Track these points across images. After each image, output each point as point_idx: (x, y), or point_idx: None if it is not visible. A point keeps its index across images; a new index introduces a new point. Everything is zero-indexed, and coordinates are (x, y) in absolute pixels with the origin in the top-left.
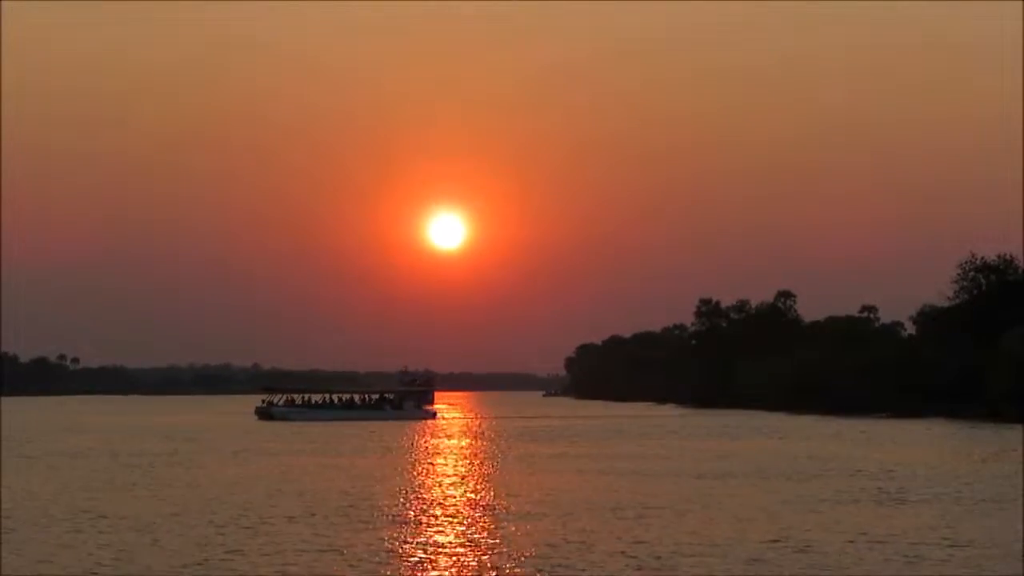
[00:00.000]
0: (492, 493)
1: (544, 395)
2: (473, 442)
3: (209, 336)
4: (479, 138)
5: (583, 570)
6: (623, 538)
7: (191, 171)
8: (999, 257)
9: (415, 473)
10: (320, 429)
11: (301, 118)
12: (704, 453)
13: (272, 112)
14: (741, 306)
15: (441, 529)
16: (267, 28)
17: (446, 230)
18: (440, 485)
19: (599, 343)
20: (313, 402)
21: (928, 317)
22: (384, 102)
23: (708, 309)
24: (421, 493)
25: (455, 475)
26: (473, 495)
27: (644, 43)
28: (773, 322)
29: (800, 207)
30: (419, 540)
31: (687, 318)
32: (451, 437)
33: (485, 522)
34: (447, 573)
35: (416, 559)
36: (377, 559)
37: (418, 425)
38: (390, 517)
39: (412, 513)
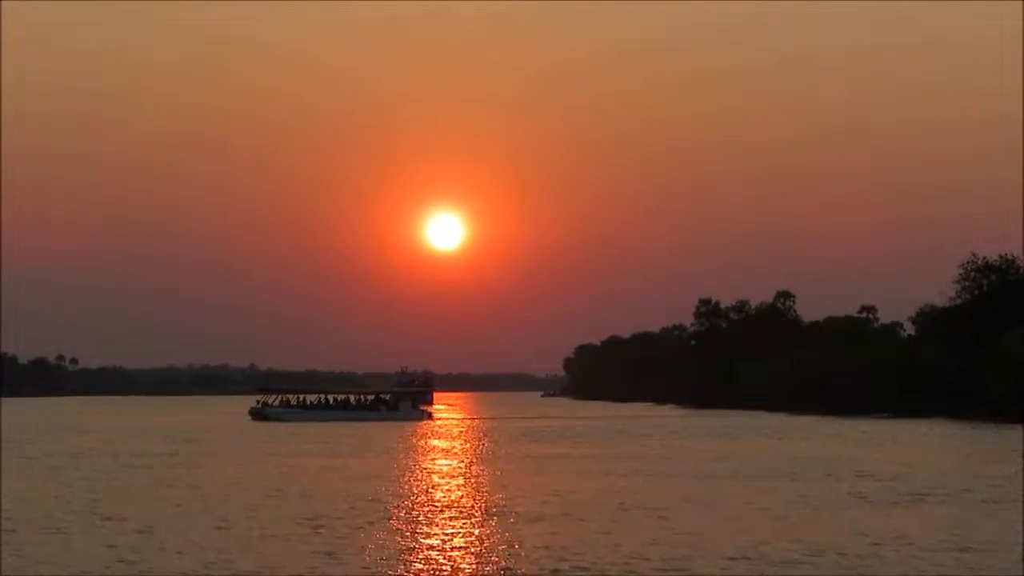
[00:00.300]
0: (499, 495)
1: (543, 395)
2: (475, 443)
3: (208, 336)
4: (478, 138)
5: (601, 571)
6: (637, 540)
7: (190, 171)
8: (1001, 257)
9: (420, 474)
10: (314, 430)
11: (300, 118)
12: (708, 454)
13: (271, 112)
14: (741, 306)
15: (452, 531)
16: (267, 28)
17: (445, 230)
18: (447, 486)
19: (598, 343)
20: (308, 403)
21: (928, 317)
22: (383, 102)
23: (708, 309)
24: (429, 495)
25: (461, 477)
26: (480, 497)
27: (644, 43)
28: (773, 322)
29: (800, 207)
30: (429, 542)
31: (686, 318)
32: (452, 438)
33: (495, 524)
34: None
35: (429, 561)
36: (387, 562)
37: (414, 426)
38: (397, 518)
39: (421, 515)
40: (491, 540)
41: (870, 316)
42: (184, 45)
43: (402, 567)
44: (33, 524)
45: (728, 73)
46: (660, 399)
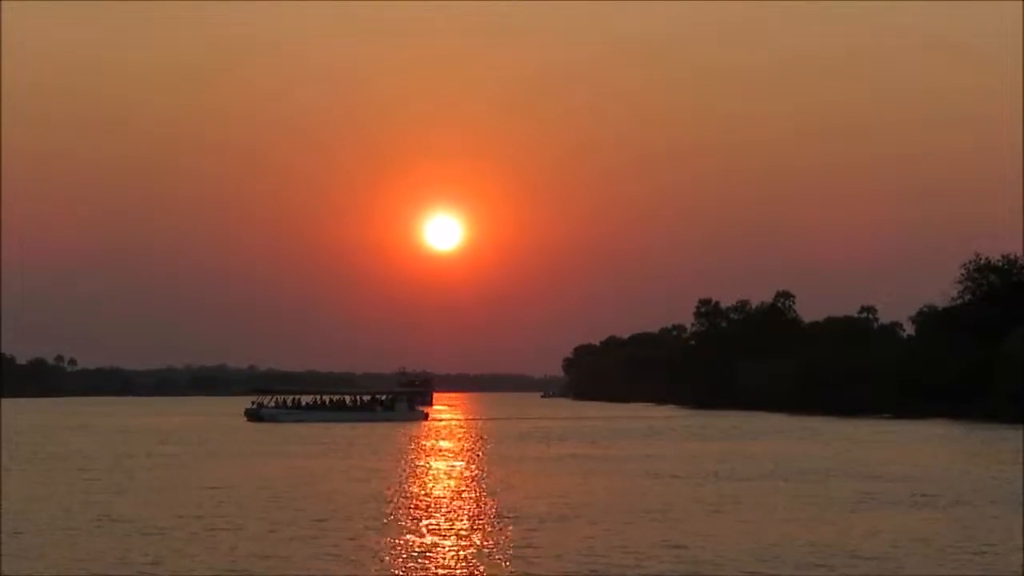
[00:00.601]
0: (510, 496)
1: (542, 396)
2: (479, 445)
3: (206, 337)
4: (477, 139)
5: (620, 573)
6: (652, 541)
7: (189, 172)
8: (1003, 257)
9: (428, 476)
10: (308, 430)
11: (298, 118)
12: (715, 455)
13: (270, 112)
14: (741, 306)
15: (466, 534)
16: (266, 29)
17: (444, 231)
18: (458, 488)
19: (597, 344)
20: (303, 404)
21: (928, 317)
22: (382, 103)
23: (708, 309)
24: (441, 497)
25: (470, 479)
26: (494, 499)
27: (644, 43)
28: (773, 323)
29: (800, 207)
30: (448, 545)
31: (686, 318)
32: (453, 439)
33: (509, 527)
34: None
35: (446, 564)
36: (405, 565)
37: (410, 427)
38: (404, 521)
39: (437, 518)
40: (506, 543)
41: (870, 316)
42: (184, 46)
43: (420, 571)
44: (43, 525)
45: (728, 73)
46: (660, 400)
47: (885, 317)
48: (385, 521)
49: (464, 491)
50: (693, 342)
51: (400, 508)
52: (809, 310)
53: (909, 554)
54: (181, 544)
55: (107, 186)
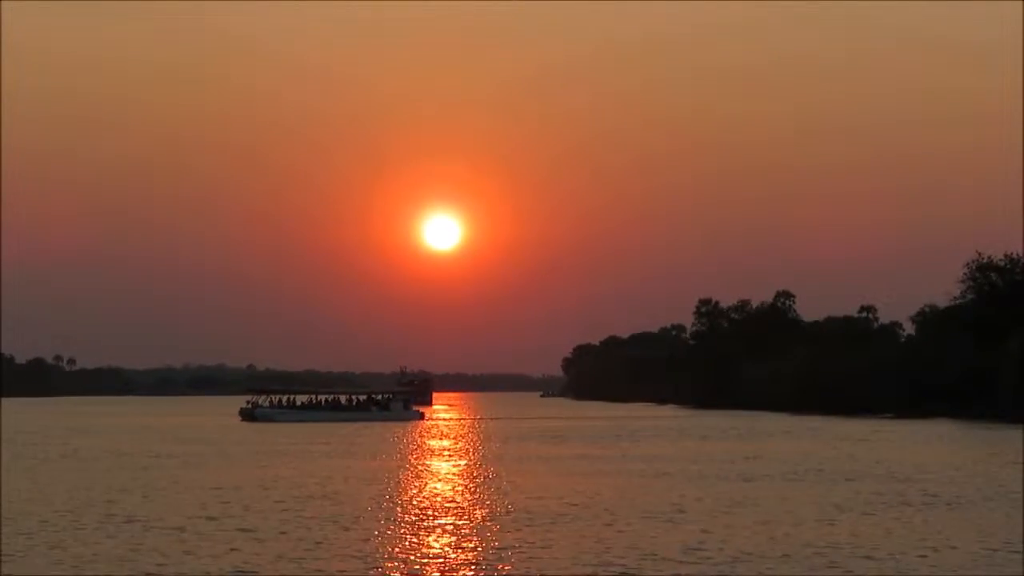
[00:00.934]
0: (522, 497)
1: (541, 395)
2: (482, 444)
3: (205, 337)
4: (476, 138)
5: (644, 574)
6: (679, 543)
7: (188, 172)
8: (1006, 256)
9: (431, 476)
10: (303, 430)
11: (297, 119)
12: (725, 454)
13: (269, 113)
14: (741, 306)
15: (483, 534)
16: (264, 30)
17: (442, 231)
18: (465, 488)
19: (597, 344)
20: (298, 403)
21: (929, 317)
22: (380, 103)
23: (708, 309)
24: (450, 497)
25: (477, 478)
26: (504, 499)
27: (644, 43)
28: (773, 322)
29: (800, 207)
30: (466, 545)
31: (686, 318)
32: (452, 439)
33: (527, 527)
34: None
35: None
36: (421, 565)
37: (406, 426)
38: (416, 521)
39: (449, 519)
40: (522, 544)
41: (870, 316)
42: (183, 46)
43: (437, 571)
44: (54, 526)
45: (728, 73)
46: (660, 400)
47: (885, 317)
48: (396, 521)
49: (472, 491)
50: (693, 342)
51: (410, 508)
52: (809, 310)
53: (913, 554)
54: (190, 546)
55: (106, 186)
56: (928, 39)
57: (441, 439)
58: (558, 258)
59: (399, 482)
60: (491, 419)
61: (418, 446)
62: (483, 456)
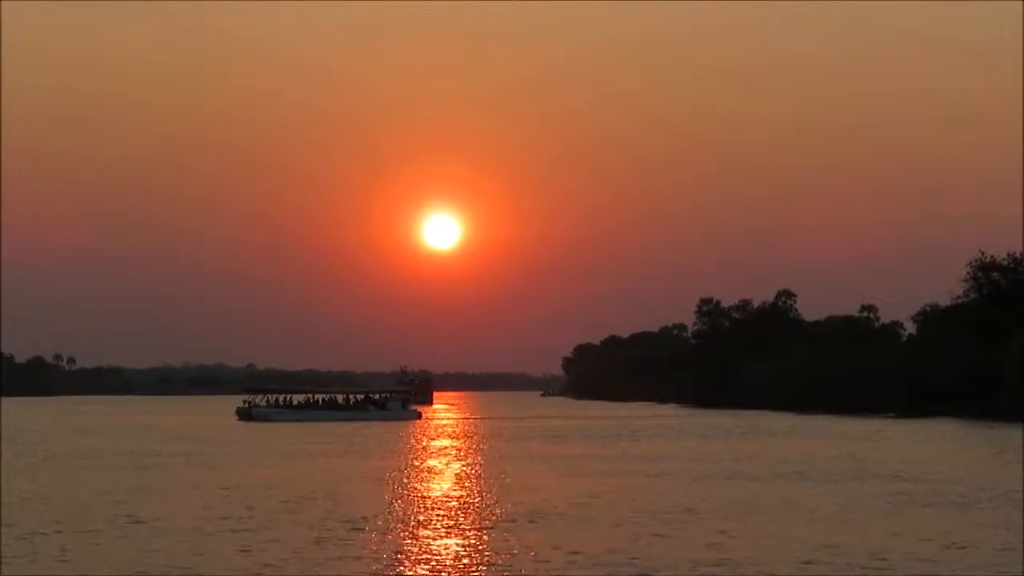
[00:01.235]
0: (529, 497)
1: (542, 395)
2: (485, 444)
3: (205, 336)
4: (476, 138)
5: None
6: (694, 542)
7: (187, 172)
8: (1009, 256)
9: (434, 477)
10: (299, 430)
11: (296, 119)
12: (729, 454)
13: (268, 113)
14: (742, 306)
15: (493, 534)
16: (264, 30)
17: (442, 230)
18: (471, 488)
19: (597, 343)
20: (295, 403)
21: (930, 316)
22: (380, 103)
23: (709, 309)
24: (458, 497)
25: (482, 478)
26: (511, 499)
27: (644, 43)
28: (774, 322)
29: (800, 207)
30: (466, 545)
31: (686, 318)
32: (452, 439)
33: (536, 527)
34: None
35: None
36: (431, 565)
37: (403, 426)
38: (425, 521)
39: (452, 519)
40: (534, 543)
41: (871, 315)
42: (183, 46)
43: (437, 571)
44: (61, 526)
45: (728, 73)
46: (661, 399)
47: (886, 316)
48: (404, 521)
49: (472, 491)
50: (694, 341)
51: (411, 508)
52: (810, 309)
53: (916, 554)
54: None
55: (106, 186)
56: (928, 39)
57: (441, 439)
58: (558, 258)
59: (399, 482)
60: (492, 418)
61: (417, 446)
62: (484, 456)
